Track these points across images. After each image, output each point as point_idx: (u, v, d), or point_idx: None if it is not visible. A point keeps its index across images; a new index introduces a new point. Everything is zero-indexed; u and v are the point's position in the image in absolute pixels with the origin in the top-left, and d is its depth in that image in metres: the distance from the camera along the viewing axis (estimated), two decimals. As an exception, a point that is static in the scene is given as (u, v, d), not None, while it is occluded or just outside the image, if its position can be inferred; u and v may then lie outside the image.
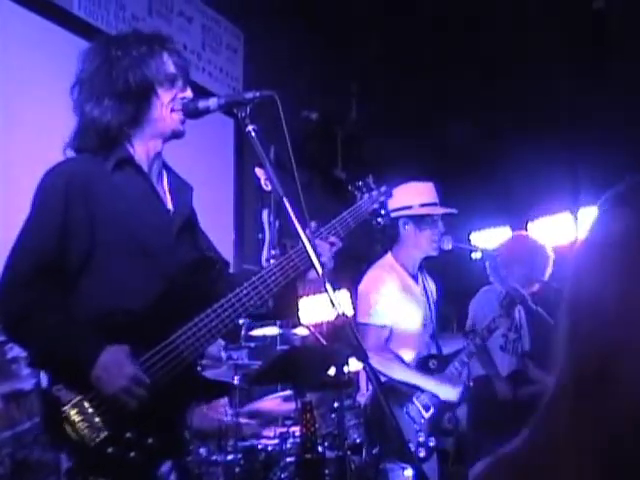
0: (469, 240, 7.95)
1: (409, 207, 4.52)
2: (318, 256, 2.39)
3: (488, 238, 8.07)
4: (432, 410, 4.29)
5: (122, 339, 2.50)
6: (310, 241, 2.40)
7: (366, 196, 3.26)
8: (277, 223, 6.49)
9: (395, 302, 4.40)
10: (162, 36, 2.85)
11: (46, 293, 2.53)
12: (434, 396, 4.28)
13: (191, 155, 6.01)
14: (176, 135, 2.80)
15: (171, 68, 2.77)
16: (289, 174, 2.50)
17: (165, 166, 2.90)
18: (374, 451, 4.03)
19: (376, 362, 4.12)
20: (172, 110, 2.74)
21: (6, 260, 2.57)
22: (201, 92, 5.56)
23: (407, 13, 7.26)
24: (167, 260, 2.68)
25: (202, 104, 2.68)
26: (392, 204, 4.61)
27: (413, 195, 4.56)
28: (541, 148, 7.68)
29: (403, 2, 7.08)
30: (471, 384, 4.75)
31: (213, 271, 2.88)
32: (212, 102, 2.65)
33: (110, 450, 2.43)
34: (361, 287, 4.56)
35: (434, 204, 4.57)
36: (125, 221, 2.65)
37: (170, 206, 2.81)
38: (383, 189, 3.29)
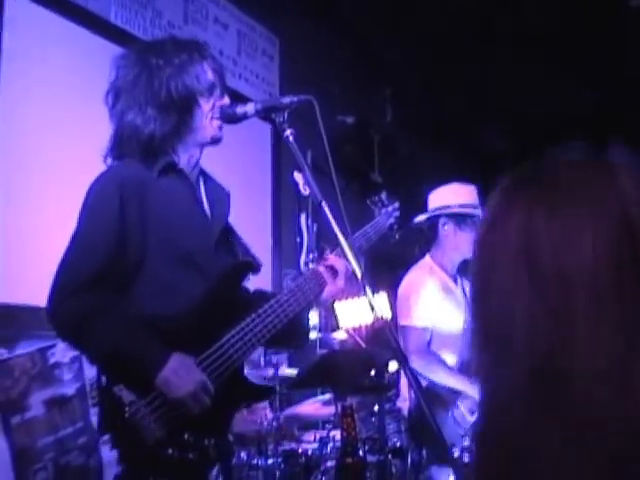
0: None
1: (448, 206, 4.50)
2: (358, 261, 2.39)
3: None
4: (477, 414, 4.26)
5: (171, 344, 2.52)
6: (349, 245, 2.40)
7: (383, 211, 3.28)
8: (315, 227, 6.50)
9: (436, 304, 4.39)
10: (200, 43, 2.88)
11: (107, 296, 2.54)
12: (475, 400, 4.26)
13: (228, 160, 6.03)
14: (214, 141, 2.83)
15: (210, 76, 2.79)
16: (326, 178, 2.51)
17: (202, 172, 2.92)
18: (419, 456, 4.02)
19: (418, 365, 4.11)
20: (212, 118, 2.77)
21: (60, 263, 2.57)
22: (237, 98, 5.60)
23: (442, 14, 7.23)
24: (209, 266, 2.70)
25: (240, 109, 2.70)
26: (432, 204, 4.61)
27: (453, 195, 4.55)
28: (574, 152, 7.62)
29: (436, 6, 7.04)
30: None
31: (254, 274, 2.89)
32: (250, 107, 2.66)
33: (170, 451, 2.47)
34: (401, 290, 4.55)
35: (474, 206, 4.55)
36: (172, 227, 2.68)
37: (208, 213, 2.84)
38: (396, 205, 3.31)
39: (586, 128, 8.32)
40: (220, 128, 2.80)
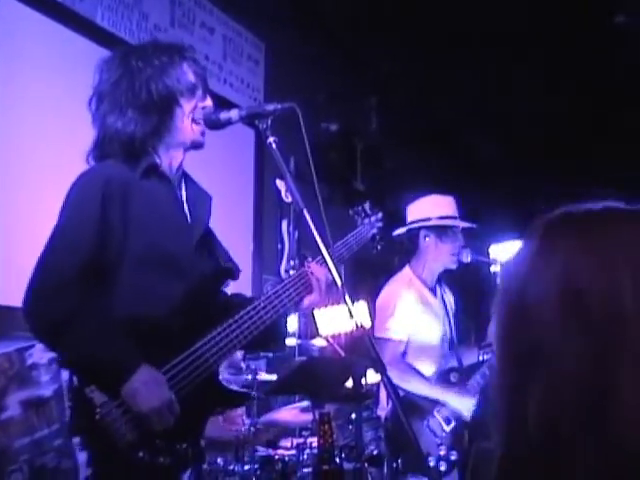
0: (488, 253, 7.92)
1: (427, 219, 4.52)
2: (337, 269, 2.40)
3: (507, 251, 8.04)
4: (454, 423, 4.28)
5: (148, 346, 2.51)
6: (329, 253, 2.41)
7: (366, 221, 3.29)
8: (296, 234, 6.50)
9: (412, 316, 4.41)
10: (181, 45, 2.88)
11: (84, 297, 2.51)
12: (456, 409, 4.27)
13: (211, 165, 6.03)
14: (195, 146, 2.83)
15: (191, 77, 2.79)
16: (309, 186, 2.52)
17: (185, 175, 2.92)
18: (394, 464, 4.02)
19: (394, 376, 4.12)
20: (193, 120, 2.77)
21: (39, 261, 2.55)
22: (222, 103, 5.60)
23: (426, 26, 7.27)
24: (189, 270, 2.69)
25: (224, 115, 2.70)
26: (411, 216, 4.63)
27: (432, 207, 4.57)
28: (562, 161, 7.68)
29: (423, 15, 7.08)
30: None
31: (232, 280, 2.90)
32: (234, 113, 2.66)
33: (140, 454, 2.46)
34: (378, 301, 4.57)
35: (453, 217, 4.57)
36: (153, 229, 2.67)
37: (188, 216, 2.83)
38: (379, 216, 3.32)
39: (571, 140, 8.39)
40: (202, 134, 2.80)
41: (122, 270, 2.59)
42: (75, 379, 2.49)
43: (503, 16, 7.09)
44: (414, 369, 4.37)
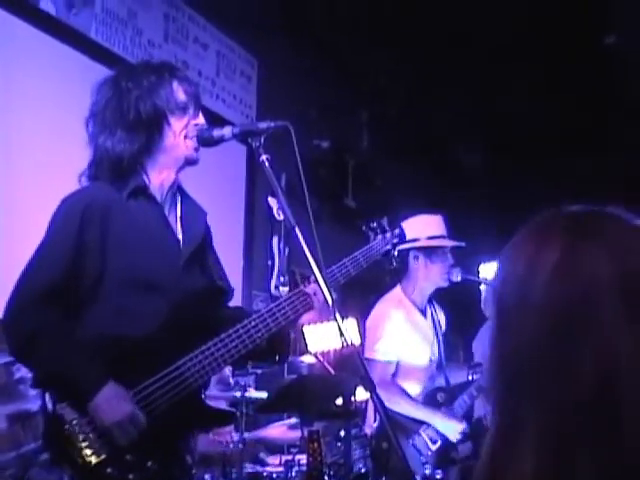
0: (478, 272, 7.95)
1: (416, 239, 4.50)
2: (328, 286, 2.40)
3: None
4: (439, 443, 4.28)
5: (126, 365, 2.55)
6: (321, 270, 2.41)
7: (379, 237, 3.25)
8: (287, 250, 6.50)
9: (401, 337, 4.41)
10: (171, 65, 2.93)
11: (55, 315, 2.57)
12: (438, 431, 4.27)
13: (203, 181, 6.03)
14: (189, 162, 2.84)
15: (181, 96, 2.80)
16: (300, 202, 2.52)
17: (181, 192, 2.93)
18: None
19: (382, 397, 4.12)
20: (185, 137, 2.78)
21: (17, 280, 2.61)
22: (215, 119, 5.62)
23: (418, 41, 7.31)
24: (173, 291, 2.70)
25: (217, 133, 2.71)
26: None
27: (420, 228, 4.55)
28: (552, 180, 7.70)
29: (414, 30, 7.12)
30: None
31: (222, 299, 2.94)
32: (227, 131, 2.67)
33: (109, 470, 2.47)
34: (368, 322, 4.57)
35: (442, 237, 4.56)
36: (134, 251, 2.69)
37: (180, 235, 2.84)
38: (397, 232, 3.29)
39: (562, 157, 8.43)
40: (196, 150, 2.81)
41: (101, 289, 2.63)
42: (48, 396, 2.53)
43: (494, 35, 7.14)
44: (402, 390, 4.37)
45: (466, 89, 8.07)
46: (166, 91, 2.77)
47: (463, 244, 4.64)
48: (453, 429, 4.26)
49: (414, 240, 4.50)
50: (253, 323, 2.70)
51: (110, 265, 2.63)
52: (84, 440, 2.47)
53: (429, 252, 4.51)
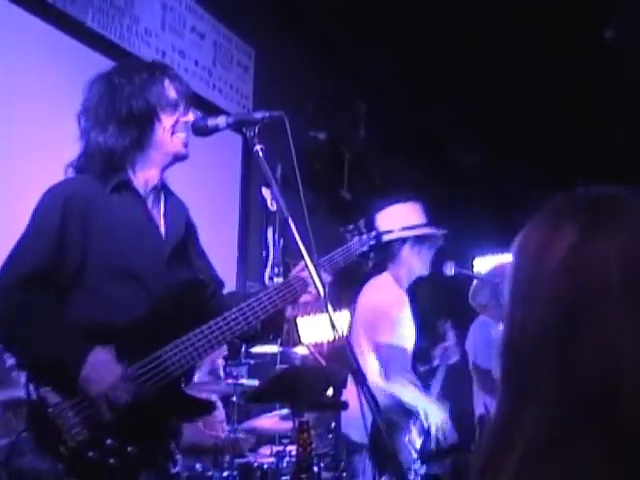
0: (473, 266, 7.94)
1: (390, 231, 4.45)
2: (320, 277, 2.41)
3: (492, 264, 8.07)
4: (422, 437, 4.26)
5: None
6: (313, 262, 2.42)
7: (356, 239, 3.28)
8: (281, 242, 6.51)
9: (406, 324, 4.38)
10: (163, 63, 3.02)
11: (35, 298, 2.61)
12: (422, 423, 4.25)
13: (198, 172, 6.02)
14: (178, 158, 2.88)
15: (172, 93, 2.85)
16: (295, 194, 2.53)
17: (164, 188, 2.97)
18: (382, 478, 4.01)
19: (398, 384, 4.12)
20: (175, 133, 2.83)
21: (3, 262, 2.67)
22: (211, 109, 5.61)
23: (416, 34, 7.30)
24: (155, 283, 2.75)
25: (211, 122, 2.71)
26: (381, 225, 4.58)
27: (395, 219, 4.51)
28: (548, 174, 7.70)
29: (412, 23, 7.11)
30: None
31: (204, 292, 2.96)
32: (221, 120, 2.68)
33: (90, 454, 2.50)
34: (374, 306, 4.42)
35: (419, 226, 4.52)
36: (117, 242, 2.74)
37: (163, 230, 2.88)
38: (373, 234, 3.32)
39: (559, 151, 8.43)
40: (185, 145, 2.87)
41: (83, 278, 2.68)
42: (31, 381, 2.56)
43: (492, 29, 7.14)
44: (416, 383, 4.33)
45: (463, 83, 8.06)
46: (158, 88, 2.82)
47: (445, 231, 4.59)
48: (442, 414, 4.22)
49: (388, 232, 4.44)
50: (233, 316, 2.73)
51: (93, 255, 2.68)
52: (66, 423, 2.50)
53: (422, 241, 4.48)
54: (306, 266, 2.41)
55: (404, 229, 4.46)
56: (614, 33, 7.28)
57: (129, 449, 2.56)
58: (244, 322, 2.74)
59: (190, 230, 3.03)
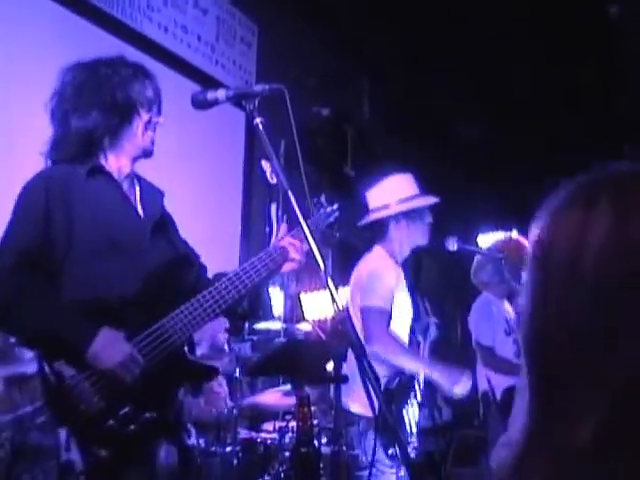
0: (477, 242, 7.94)
1: (387, 206, 4.43)
2: (320, 251, 2.40)
3: (494, 240, 8.07)
4: (420, 411, 4.25)
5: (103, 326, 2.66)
6: (312, 235, 2.42)
7: (321, 211, 3.33)
8: (285, 217, 6.50)
9: (393, 292, 4.35)
10: (144, 66, 3.08)
11: (31, 280, 2.69)
12: (423, 397, 4.24)
13: (201, 146, 6.03)
14: (146, 154, 3.02)
15: (150, 93, 3.00)
16: (297, 169, 2.53)
17: (137, 177, 3.09)
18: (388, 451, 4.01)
19: (380, 348, 4.08)
20: (146, 129, 2.97)
21: None
22: (213, 84, 5.59)
23: (421, 10, 7.26)
24: (142, 258, 2.86)
25: (210, 95, 2.70)
26: (372, 202, 4.57)
27: (390, 192, 4.48)
28: (551, 149, 7.70)
29: (415, 1, 7.08)
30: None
31: (190, 266, 3.07)
32: (220, 93, 2.67)
33: (110, 422, 2.59)
34: (362, 275, 4.40)
35: (414, 197, 4.48)
36: (100, 223, 2.84)
37: (141, 212, 2.99)
38: (335, 207, 3.38)
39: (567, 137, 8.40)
40: (152, 142, 3.00)
41: (71, 260, 2.75)
42: (43, 355, 2.60)
43: (499, 6, 7.09)
44: (401, 343, 4.28)
45: (467, 62, 8.02)
46: (139, 85, 2.97)
47: (437, 199, 4.55)
48: (454, 380, 4.15)
49: (385, 207, 4.43)
50: (223, 285, 2.83)
51: (78, 236, 2.76)
52: (83, 393, 2.57)
53: (409, 214, 4.44)
54: (306, 239, 2.41)
55: (400, 202, 4.43)
56: (619, 8, 7.23)
57: (146, 415, 2.64)
58: (234, 291, 2.84)
59: (167, 219, 3.14)
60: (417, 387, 4.27)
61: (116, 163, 2.95)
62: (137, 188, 3.04)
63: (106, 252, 2.79)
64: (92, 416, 2.56)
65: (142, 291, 2.77)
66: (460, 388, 4.12)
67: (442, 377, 4.14)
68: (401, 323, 4.37)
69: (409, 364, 4.19)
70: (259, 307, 3.25)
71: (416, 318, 4.53)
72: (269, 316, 4.38)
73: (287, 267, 3.03)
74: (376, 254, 4.48)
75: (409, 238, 4.45)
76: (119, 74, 2.92)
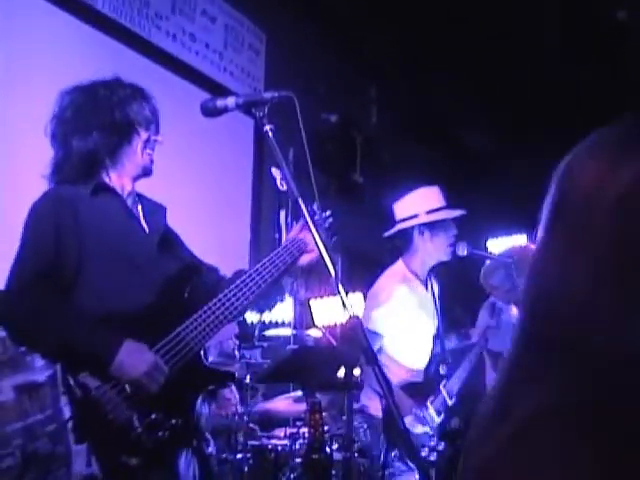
0: (486, 247, 7.92)
1: (415, 215, 4.50)
2: (330, 257, 2.41)
3: (505, 245, 8.04)
4: (442, 415, 4.27)
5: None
6: (323, 241, 2.42)
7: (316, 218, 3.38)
8: (294, 224, 6.50)
9: (404, 311, 4.39)
10: (141, 87, 3.12)
11: (50, 298, 2.72)
12: (444, 402, 4.27)
13: (210, 153, 6.04)
14: (146, 172, 3.06)
15: (148, 113, 3.05)
16: (307, 176, 2.55)
17: (138, 195, 3.13)
18: (387, 455, 4.02)
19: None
20: (145, 148, 3.01)
21: (7, 277, 2.75)
22: (222, 92, 5.60)
23: (427, 18, 7.26)
24: (152, 271, 2.89)
25: (220, 103, 2.72)
26: (399, 214, 4.62)
27: (419, 203, 4.54)
28: (560, 153, 7.67)
29: (425, 5, 7.08)
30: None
31: (200, 274, 3.07)
32: (230, 101, 2.69)
33: (139, 430, 2.59)
34: (369, 294, 4.55)
35: (441, 208, 4.54)
36: (109, 237, 2.87)
37: (145, 227, 3.04)
38: (328, 213, 3.41)
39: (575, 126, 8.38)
40: (151, 161, 3.04)
41: (84, 279, 2.77)
42: (67, 368, 2.60)
43: (504, 10, 7.09)
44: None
45: (476, 66, 8.01)
46: (137, 105, 3.02)
47: (463, 211, 4.61)
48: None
49: (414, 216, 4.50)
50: (232, 292, 2.86)
51: (88, 252, 2.79)
52: (110, 402, 2.57)
53: (432, 226, 4.50)
54: (316, 244, 2.42)
55: (428, 213, 4.49)
56: (627, 13, 7.21)
57: (173, 421, 2.66)
58: (243, 297, 2.86)
59: (171, 233, 3.18)
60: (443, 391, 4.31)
61: (118, 181, 3.00)
62: (139, 206, 3.08)
63: (117, 266, 2.83)
64: (121, 425, 2.57)
65: (155, 302, 2.80)
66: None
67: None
68: (419, 339, 4.42)
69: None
70: (278, 294, 3.27)
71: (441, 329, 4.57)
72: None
73: (305, 259, 3.07)
74: (393, 270, 4.55)
75: (433, 251, 4.50)
76: (117, 95, 2.98)
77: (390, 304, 4.37)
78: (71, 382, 2.57)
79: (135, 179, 3.04)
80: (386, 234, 4.64)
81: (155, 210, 3.14)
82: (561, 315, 0.88)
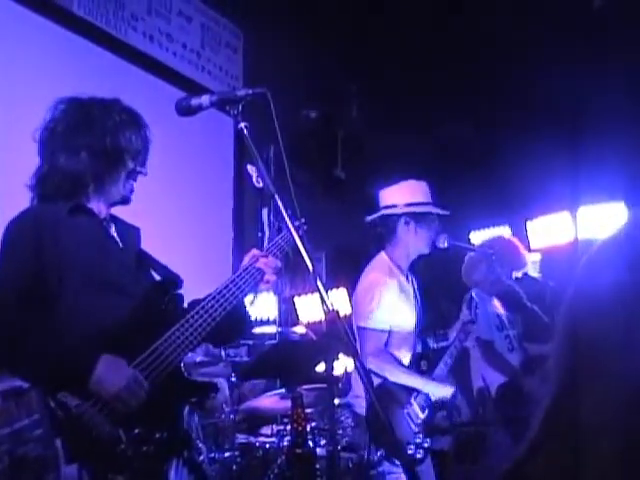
0: (469, 239, 7.95)
1: (394, 206, 4.50)
2: (310, 256, 2.42)
3: (487, 237, 8.07)
4: (427, 411, 4.28)
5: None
6: (301, 238, 2.43)
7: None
8: (276, 223, 6.50)
9: (394, 305, 4.39)
10: (139, 115, 3.08)
11: (29, 316, 2.65)
12: (428, 397, 4.28)
13: (192, 153, 6.03)
14: (124, 201, 3.03)
15: (139, 144, 3.01)
16: (290, 173, 2.55)
17: (112, 217, 3.10)
18: (370, 452, 4.03)
19: (375, 365, 4.15)
20: (128, 178, 2.98)
21: None
22: (201, 91, 5.58)
23: (406, 12, 7.27)
24: (131, 286, 2.86)
25: (194, 101, 2.72)
26: (383, 201, 4.62)
27: (405, 193, 4.55)
28: (541, 146, 7.69)
29: (402, 2, 7.09)
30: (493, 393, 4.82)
31: (176, 288, 3.05)
32: (204, 99, 2.69)
33: (123, 447, 2.55)
34: (360, 290, 4.51)
35: (424, 203, 4.55)
36: (88, 257, 2.83)
37: (121, 245, 3.01)
38: (302, 220, 3.43)
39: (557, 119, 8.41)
40: (131, 191, 3.02)
41: (63, 296, 2.73)
42: (45, 389, 2.55)
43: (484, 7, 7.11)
44: (396, 359, 4.35)
45: (455, 60, 8.03)
46: (130, 133, 2.97)
47: (447, 212, 4.62)
48: (447, 392, 4.27)
49: (392, 206, 4.50)
50: (209, 304, 2.85)
51: (68, 272, 2.75)
52: (93, 421, 2.53)
53: (418, 218, 4.50)
54: (294, 242, 2.43)
55: (408, 205, 4.50)
56: (603, 1, 7.22)
57: (158, 435, 2.63)
58: (220, 308, 2.86)
59: (144, 253, 3.14)
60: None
61: (96, 205, 2.97)
62: (113, 227, 3.07)
63: (96, 282, 2.79)
64: (105, 442, 2.53)
65: (134, 317, 2.77)
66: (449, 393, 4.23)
67: (437, 390, 4.25)
68: (406, 333, 4.43)
69: (403, 379, 4.26)
70: (245, 324, 3.27)
71: (422, 326, 4.59)
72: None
73: (262, 287, 3.07)
74: (379, 263, 4.54)
75: (416, 242, 4.51)
76: (112, 119, 2.94)
77: (386, 298, 4.36)
78: (51, 403, 2.52)
79: (112, 205, 3.03)
80: (369, 218, 4.63)
81: (129, 232, 3.13)
82: None
